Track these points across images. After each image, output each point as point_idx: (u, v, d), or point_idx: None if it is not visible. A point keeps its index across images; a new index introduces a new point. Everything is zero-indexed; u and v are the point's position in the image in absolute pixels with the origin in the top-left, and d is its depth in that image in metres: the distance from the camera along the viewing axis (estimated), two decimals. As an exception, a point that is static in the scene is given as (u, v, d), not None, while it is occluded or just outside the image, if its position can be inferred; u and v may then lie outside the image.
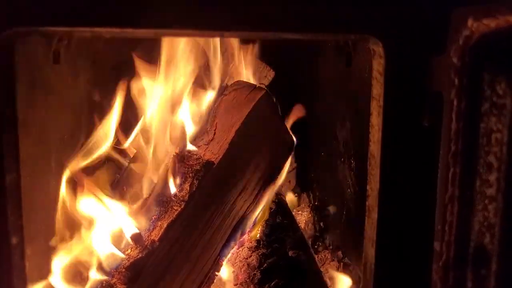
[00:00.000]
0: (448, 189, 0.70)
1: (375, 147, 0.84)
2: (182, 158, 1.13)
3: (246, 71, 1.33)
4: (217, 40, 1.25)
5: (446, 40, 0.71)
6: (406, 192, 0.81)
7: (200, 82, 1.25)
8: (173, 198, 1.07)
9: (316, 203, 1.59)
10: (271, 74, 1.62)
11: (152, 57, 1.23)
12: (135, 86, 1.26)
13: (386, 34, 0.78)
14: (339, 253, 1.33)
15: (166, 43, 1.20)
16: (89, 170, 1.23)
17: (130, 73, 1.25)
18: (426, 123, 0.78)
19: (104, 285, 1.00)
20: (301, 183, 1.71)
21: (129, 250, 1.03)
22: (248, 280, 1.15)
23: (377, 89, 0.82)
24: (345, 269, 1.27)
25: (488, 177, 0.66)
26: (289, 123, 1.26)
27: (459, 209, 0.69)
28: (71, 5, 0.73)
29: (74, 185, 1.15)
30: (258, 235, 1.24)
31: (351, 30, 0.79)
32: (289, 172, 1.61)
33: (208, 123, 1.21)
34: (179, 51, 1.21)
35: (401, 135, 0.80)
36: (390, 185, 0.81)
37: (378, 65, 0.82)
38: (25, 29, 0.73)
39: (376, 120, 0.83)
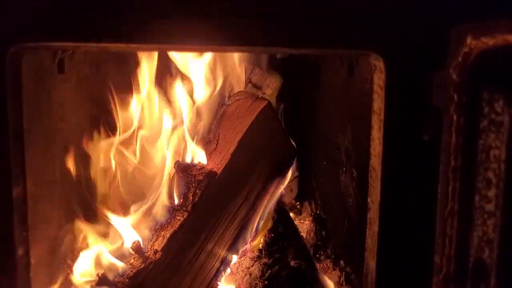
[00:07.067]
0: (448, 204, 0.70)
1: (376, 161, 0.84)
2: (185, 168, 1.13)
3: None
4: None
5: (446, 56, 0.72)
6: (407, 205, 0.81)
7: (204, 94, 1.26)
8: (176, 208, 1.08)
9: (318, 212, 1.59)
10: (274, 84, 1.63)
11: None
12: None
13: (387, 50, 0.79)
14: (341, 262, 1.33)
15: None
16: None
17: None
18: (427, 137, 0.78)
19: (107, 294, 1.01)
20: (303, 192, 1.72)
21: (132, 260, 1.03)
22: (250, 290, 1.16)
23: (378, 103, 0.83)
24: (347, 278, 1.27)
25: (487, 193, 0.66)
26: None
27: (459, 224, 0.70)
28: (78, 21, 0.75)
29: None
30: (260, 245, 1.24)
31: (352, 46, 0.80)
32: (291, 181, 1.62)
33: (211, 133, 1.22)
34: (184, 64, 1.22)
35: (402, 149, 0.81)
36: (391, 198, 0.82)
37: (379, 80, 0.82)
38: (32, 44, 0.75)
39: (377, 134, 0.84)
